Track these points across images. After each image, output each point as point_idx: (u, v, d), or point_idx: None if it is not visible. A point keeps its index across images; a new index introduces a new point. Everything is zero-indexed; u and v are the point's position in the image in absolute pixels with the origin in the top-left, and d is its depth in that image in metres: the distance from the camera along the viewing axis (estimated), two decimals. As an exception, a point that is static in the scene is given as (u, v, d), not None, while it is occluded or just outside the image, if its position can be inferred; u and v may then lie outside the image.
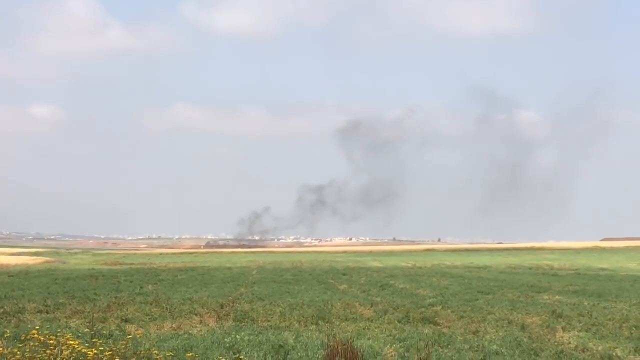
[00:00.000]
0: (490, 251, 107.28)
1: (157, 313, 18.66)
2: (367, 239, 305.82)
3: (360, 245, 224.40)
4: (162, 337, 14.28)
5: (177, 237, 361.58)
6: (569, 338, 15.15)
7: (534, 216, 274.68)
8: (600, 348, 13.90)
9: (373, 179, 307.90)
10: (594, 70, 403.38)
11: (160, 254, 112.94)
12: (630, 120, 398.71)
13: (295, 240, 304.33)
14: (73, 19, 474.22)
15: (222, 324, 16.87)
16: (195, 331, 15.57)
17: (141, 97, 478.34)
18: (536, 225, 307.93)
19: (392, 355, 12.43)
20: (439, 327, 16.59)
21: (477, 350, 13.23)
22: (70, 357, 9.77)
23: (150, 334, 14.69)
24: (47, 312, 18.96)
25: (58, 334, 11.17)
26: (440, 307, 20.75)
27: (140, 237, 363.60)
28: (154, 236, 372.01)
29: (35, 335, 10.20)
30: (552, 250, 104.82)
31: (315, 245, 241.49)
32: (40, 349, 9.93)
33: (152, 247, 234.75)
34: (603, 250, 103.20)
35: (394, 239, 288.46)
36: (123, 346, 10.64)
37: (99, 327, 15.39)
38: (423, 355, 11.54)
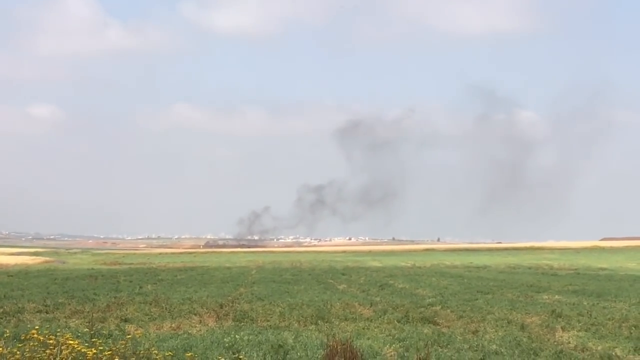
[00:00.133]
0: (489, 251, 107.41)
1: (156, 313, 18.67)
2: (367, 238, 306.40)
3: (359, 245, 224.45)
4: (161, 337, 14.28)
5: (176, 237, 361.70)
6: (569, 338, 15.15)
7: (534, 216, 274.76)
8: (599, 348, 13.91)
9: (373, 178, 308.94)
10: (594, 70, 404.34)
11: (160, 253, 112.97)
12: (630, 120, 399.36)
13: (294, 240, 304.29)
14: (73, 19, 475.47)
15: (221, 323, 16.87)
16: (195, 331, 15.57)
17: (141, 97, 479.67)
18: (536, 225, 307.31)
19: (391, 355, 12.44)
20: (438, 327, 16.59)
21: (476, 350, 13.24)
22: (69, 357, 9.76)
23: (149, 334, 14.69)
24: (47, 312, 18.97)
25: (57, 334, 11.18)
26: (440, 307, 20.75)
27: (140, 237, 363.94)
28: (153, 236, 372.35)
29: (35, 335, 10.19)
30: (551, 250, 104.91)
31: (314, 245, 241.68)
32: (39, 349, 9.93)
33: (151, 247, 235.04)
34: (602, 250, 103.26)
35: (394, 238, 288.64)
36: (122, 346, 10.63)
37: (99, 327, 15.38)
38: (422, 355, 11.54)
